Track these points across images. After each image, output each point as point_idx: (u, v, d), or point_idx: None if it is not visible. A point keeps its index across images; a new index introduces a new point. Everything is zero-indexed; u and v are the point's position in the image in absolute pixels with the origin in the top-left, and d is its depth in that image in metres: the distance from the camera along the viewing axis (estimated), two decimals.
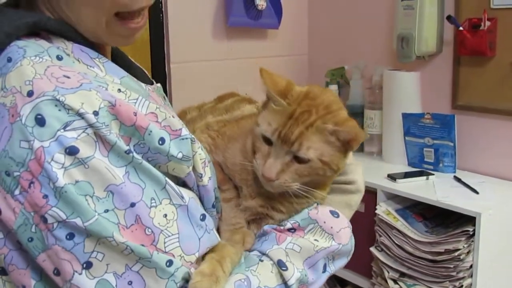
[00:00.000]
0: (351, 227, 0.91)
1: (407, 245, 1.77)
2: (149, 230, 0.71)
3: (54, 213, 0.66)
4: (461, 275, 1.65)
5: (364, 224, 1.96)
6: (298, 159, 0.83)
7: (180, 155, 0.75)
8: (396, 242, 1.79)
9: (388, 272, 1.82)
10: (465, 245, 1.64)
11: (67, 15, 0.78)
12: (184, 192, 0.76)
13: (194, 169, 0.79)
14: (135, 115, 0.72)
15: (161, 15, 2.20)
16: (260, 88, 0.87)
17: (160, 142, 0.73)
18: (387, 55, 2.30)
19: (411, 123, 2.08)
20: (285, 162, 0.83)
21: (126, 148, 0.70)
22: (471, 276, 1.66)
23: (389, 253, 1.83)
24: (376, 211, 1.86)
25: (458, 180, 1.91)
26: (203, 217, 0.78)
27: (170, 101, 2.14)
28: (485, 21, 1.90)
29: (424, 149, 2.06)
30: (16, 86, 0.69)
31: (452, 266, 1.66)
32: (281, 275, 0.81)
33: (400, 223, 1.80)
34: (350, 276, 2.07)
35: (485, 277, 1.67)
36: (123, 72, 0.80)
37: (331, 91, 0.92)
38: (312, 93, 0.87)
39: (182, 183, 0.79)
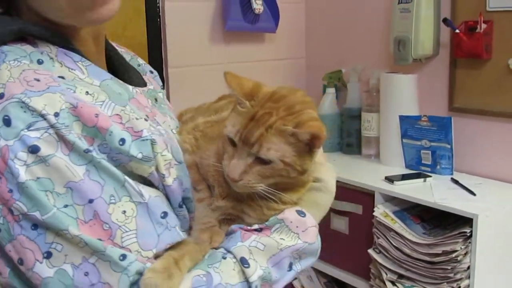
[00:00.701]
0: (318, 226, 0.91)
1: (405, 247, 1.77)
2: (107, 226, 0.75)
3: (18, 206, 0.72)
4: (458, 276, 1.66)
5: (362, 226, 1.97)
6: (260, 160, 0.83)
7: (140, 156, 0.79)
8: (394, 244, 1.80)
9: (386, 274, 1.82)
10: (463, 247, 1.65)
11: (39, 8, 0.82)
12: (145, 190, 0.79)
13: (157, 169, 0.82)
14: (97, 116, 0.76)
15: (158, 19, 2.21)
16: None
17: (121, 143, 0.77)
18: (384, 58, 2.30)
19: (408, 125, 2.09)
20: (247, 163, 0.83)
21: (85, 147, 0.74)
22: (469, 277, 1.66)
23: (387, 255, 1.83)
24: (374, 213, 1.87)
25: (455, 182, 1.92)
26: (164, 215, 0.81)
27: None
28: (481, 24, 1.91)
29: (421, 151, 2.06)
30: None
31: (449, 267, 1.66)
32: (244, 273, 0.82)
33: (398, 225, 1.80)
34: (348, 278, 2.07)
35: (482, 279, 1.67)
36: (107, 75, 0.86)
37: (300, 91, 0.90)
38: (277, 94, 0.87)
39: (149, 181, 0.82)
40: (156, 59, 2.19)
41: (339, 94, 2.47)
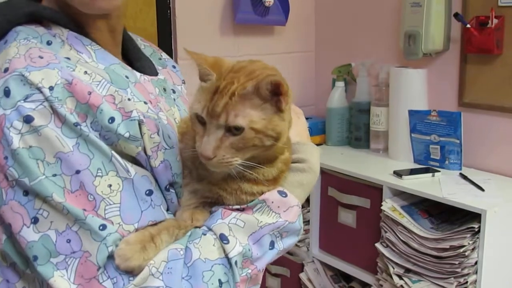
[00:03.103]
0: (300, 206, 0.92)
1: (412, 241, 1.77)
2: (91, 197, 0.78)
3: (11, 172, 0.76)
4: (466, 271, 1.65)
5: (370, 220, 1.97)
6: (231, 132, 0.82)
7: (127, 135, 0.82)
8: (402, 238, 1.80)
9: (393, 268, 1.82)
10: (470, 242, 1.64)
11: None
12: (132, 167, 0.83)
13: (144, 150, 0.85)
14: (89, 94, 0.79)
15: (168, 11, 2.21)
16: None
17: (110, 121, 0.80)
18: (393, 52, 2.29)
19: (417, 120, 2.08)
20: (218, 137, 0.82)
21: (75, 121, 0.78)
22: (476, 272, 1.65)
23: (395, 249, 1.83)
24: (382, 207, 1.86)
25: (464, 177, 1.91)
26: (149, 192, 0.84)
27: None
28: (492, 19, 1.89)
29: (430, 146, 2.05)
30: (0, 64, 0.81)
31: (457, 262, 1.66)
32: (224, 249, 0.83)
33: (406, 220, 1.80)
34: (355, 272, 2.07)
35: (489, 274, 1.67)
36: (115, 60, 0.91)
37: (260, 61, 0.89)
38: (237, 65, 0.86)
39: (138, 162, 0.85)
40: (166, 51, 2.18)
41: (348, 88, 2.47)
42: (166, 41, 2.20)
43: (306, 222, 2.25)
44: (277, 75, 0.84)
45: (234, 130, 0.81)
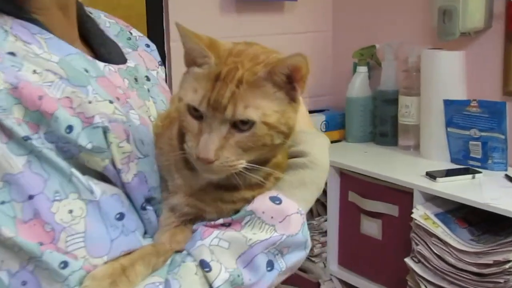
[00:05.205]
0: (302, 212, 0.87)
1: (448, 256, 1.76)
2: (49, 227, 0.74)
3: None
4: None
5: (398, 230, 1.97)
6: (237, 128, 0.79)
7: (90, 146, 0.79)
8: (436, 252, 1.79)
9: (426, 287, 1.82)
10: None
11: None
12: (98, 186, 0.80)
13: (113, 163, 0.82)
14: (41, 99, 0.76)
15: None
16: None
17: (68, 130, 0.77)
18: (425, 32, 2.29)
19: (454, 111, 2.07)
20: (223, 135, 0.78)
21: (24, 134, 0.74)
22: None
23: (427, 264, 1.83)
24: (412, 215, 1.86)
25: (510, 179, 1.91)
26: (120, 216, 0.81)
27: (170, 86, 2.15)
28: None
29: (470, 142, 2.05)
30: None
31: (502, 280, 1.65)
32: (207, 278, 0.80)
33: (441, 230, 1.80)
34: None
35: None
36: (72, 49, 0.87)
37: (258, 43, 0.87)
38: (235, 48, 0.84)
39: (107, 177, 0.82)
40: (156, 32, 2.19)
41: (372, 74, 2.47)
42: (156, 20, 2.20)
43: (323, 233, 2.24)
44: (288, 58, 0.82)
45: (241, 126, 0.79)
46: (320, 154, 0.91)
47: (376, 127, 2.42)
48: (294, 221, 0.86)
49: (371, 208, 2.06)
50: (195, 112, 0.80)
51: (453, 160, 2.11)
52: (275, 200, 0.86)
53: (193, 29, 0.84)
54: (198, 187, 0.86)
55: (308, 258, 2.29)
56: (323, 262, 2.29)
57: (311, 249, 2.25)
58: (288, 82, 0.81)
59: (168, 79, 2.21)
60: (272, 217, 0.84)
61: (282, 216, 0.85)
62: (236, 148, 0.79)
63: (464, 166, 2.04)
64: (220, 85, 0.79)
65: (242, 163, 0.80)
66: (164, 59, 2.18)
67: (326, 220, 2.23)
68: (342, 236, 2.20)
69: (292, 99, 0.83)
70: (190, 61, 0.84)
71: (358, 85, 2.42)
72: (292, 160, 0.90)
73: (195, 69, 0.83)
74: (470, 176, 1.95)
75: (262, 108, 0.79)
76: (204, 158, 0.78)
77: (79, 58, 0.87)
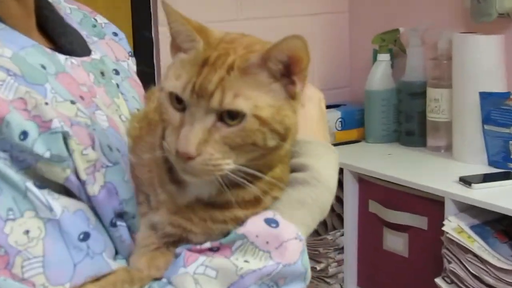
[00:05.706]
0: (302, 238, 0.87)
1: (486, 275, 1.76)
2: (2, 250, 0.75)
3: None
4: None
5: (427, 245, 1.97)
6: (224, 122, 0.78)
7: (47, 154, 0.79)
8: (471, 271, 1.79)
9: None
10: None
11: None
12: (58, 202, 0.79)
13: (76, 173, 0.82)
14: None
15: None
16: None
17: (22, 137, 0.77)
18: (457, 13, 2.29)
19: (492, 106, 2.07)
20: (207, 128, 0.78)
21: None
22: None
23: (462, 285, 1.82)
24: (444, 228, 1.85)
25: None
26: (84, 237, 0.81)
27: (158, 78, 2.15)
28: None
29: (510, 142, 2.05)
30: None
31: None
32: None
33: (477, 245, 1.79)
34: None
35: None
36: (27, 42, 0.87)
37: (254, 36, 0.88)
38: (228, 36, 0.85)
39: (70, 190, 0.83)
40: (142, 15, 2.19)
41: (395, 63, 2.47)
42: (142, 2, 2.20)
43: (340, 250, 2.24)
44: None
45: (229, 120, 0.78)
46: (324, 169, 0.91)
47: (400, 125, 2.42)
48: (292, 248, 0.85)
49: (395, 220, 2.05)
50: (177, 104, 0.80)
51: (491, 163, 2.11)
52: (271, 222, 0.85)
53: (184, 11, 0.84)
54: (185, 204, 0.85)
55: (322, 279, 2.29)
56: (340, 284, 2.29)
57: (325, 269, 2.27)
58: (286, 73, 0.81)
59: (157, 70, 2.21)
60: (267, 243, 0.84)
61: (278, 241, 0.84)
62: (222, 145, 0.79)
63: (504, 170, 2.04)
64: (208, 70, 0.79)
65: (228, 164, 0.79)
66: (151, 46, 2.18)
67: (342, 235, 2.23)
68: (362, 252, 2.20)
69: (291, 96, 0.83)
70: (176, 47, 0.84)
71: (379, 75, 2.42)
72: (290, 175, 0.90)
73: (181, 55, 0.83)
74: (510, 181, 1.94)
75: (254, 99, 0.79)
76: (184, 153, 0.77)
77: (36, 52, 0.87)
